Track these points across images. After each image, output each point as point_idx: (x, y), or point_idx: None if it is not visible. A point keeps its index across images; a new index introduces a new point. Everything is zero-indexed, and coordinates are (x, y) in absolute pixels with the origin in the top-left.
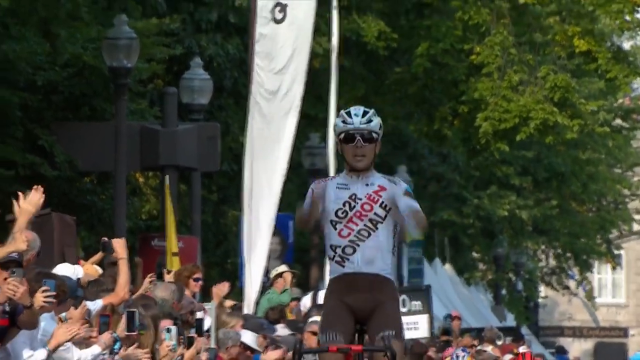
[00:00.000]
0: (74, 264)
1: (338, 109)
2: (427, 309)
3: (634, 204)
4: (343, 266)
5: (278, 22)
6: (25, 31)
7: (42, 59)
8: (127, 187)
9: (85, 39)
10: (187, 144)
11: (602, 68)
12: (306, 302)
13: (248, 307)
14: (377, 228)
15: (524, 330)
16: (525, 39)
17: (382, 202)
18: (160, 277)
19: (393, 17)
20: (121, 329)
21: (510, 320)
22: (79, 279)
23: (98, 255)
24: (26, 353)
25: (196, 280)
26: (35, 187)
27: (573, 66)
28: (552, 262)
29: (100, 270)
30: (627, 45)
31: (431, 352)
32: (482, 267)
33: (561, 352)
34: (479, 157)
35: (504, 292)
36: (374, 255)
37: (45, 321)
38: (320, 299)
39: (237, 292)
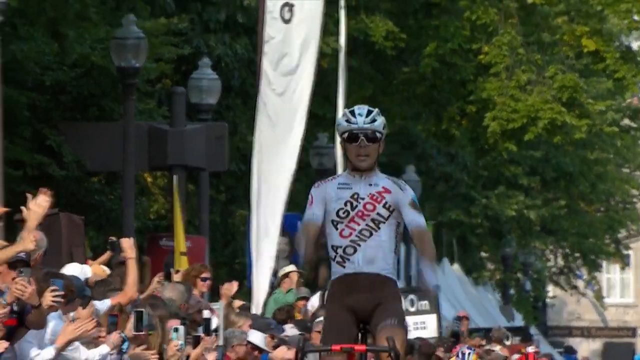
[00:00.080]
0: (82, 263)
1: None
2: (435, 308)
3: None
4: (344, 267)
5: (286, 21)
6: (34, 31)
7: (51, 59)
8: (135, 187)
9: (93, 39)
10: (195, 143)
11: (610, 68)
12: (314, 301)
13: (256, 308)
14: (379, 228)
15: (533, 330)
16: (534, 39)
17: (386, 202)
18: (168, 276)
19: (401, 17)
20: (129, 328)
21: (519, 320)
22: (87, 278)
23: (106, 255)
24: (33, 352)
25: (204, 280)
26: (42, 189)
27: (581, 66)
28: (560, 262)
29: (108, 271)
30: (635, 45)
31: (439, 352)
32: (490, 267)
33: (570, 352)
34: (487, 157)
35: (512, 292)
36: (375, 254)
37: (54, 322)
38: None
39: (245, 292)
